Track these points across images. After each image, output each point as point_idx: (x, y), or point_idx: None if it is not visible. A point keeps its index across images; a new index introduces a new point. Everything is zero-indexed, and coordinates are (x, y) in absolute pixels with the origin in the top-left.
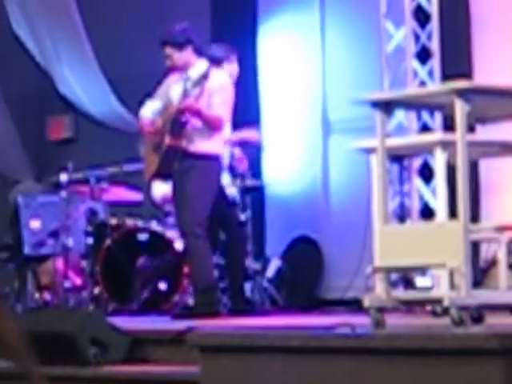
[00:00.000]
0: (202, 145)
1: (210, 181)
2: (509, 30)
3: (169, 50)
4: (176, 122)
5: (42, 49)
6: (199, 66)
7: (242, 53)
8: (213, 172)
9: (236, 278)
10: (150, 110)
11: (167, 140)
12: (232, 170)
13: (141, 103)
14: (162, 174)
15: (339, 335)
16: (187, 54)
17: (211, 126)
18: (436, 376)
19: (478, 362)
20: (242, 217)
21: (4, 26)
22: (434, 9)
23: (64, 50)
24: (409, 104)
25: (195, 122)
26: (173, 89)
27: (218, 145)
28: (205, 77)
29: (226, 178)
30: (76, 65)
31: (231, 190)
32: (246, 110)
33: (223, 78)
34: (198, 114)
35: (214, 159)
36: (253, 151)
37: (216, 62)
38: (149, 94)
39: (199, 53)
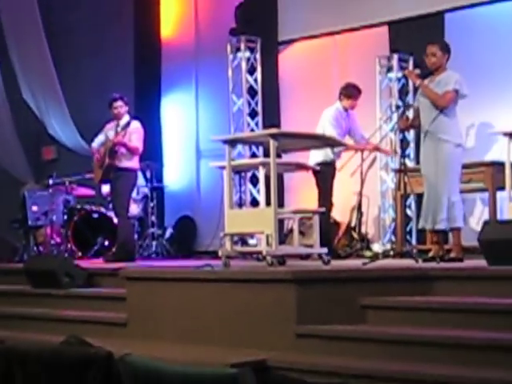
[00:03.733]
0: (126, 163)
1: (131, 184)
2: (302, 97)
3: (121, 104)
4: (111, 150)
5: (39, 109)
6: (125, 119)
7: (152, 112)
8: (132, 179)
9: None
10: (96, 143)
11: (107, 161)
12: (145, 177)
13: (93, 139)
14: (104, 180)
15: (205, 271)
16: (125, 109)
17: (132, 152)
18: (257, 295)
19: (281, 287)
20: (151, 204)
21: (17, 95)
22: (259, 87)
23: (51, 109)
24: (244, 141)
25: (122, 150)
26: (109, 132)
27: (136, 163)
28: (127, 125)
29: (141, 181)
30: (57, 117)
31: (144, 189)
32: (153, 145)
33: (137, 125)
34: (123, 145)
35: (133, 171)
36: (157, 167)
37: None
38: (96, 134)
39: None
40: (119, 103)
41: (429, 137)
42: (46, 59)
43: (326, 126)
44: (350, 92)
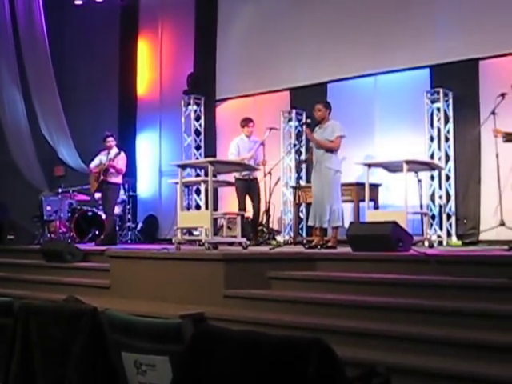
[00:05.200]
0: (114, 179)
1: (116, 193)
2: (231, 137)
3: (111, 139)
4: (105, 170)
5: (52, 140)
6: (114, 149)
7: (130, 145)
8: (117, 190)
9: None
10: (93, 165)
11: (101, 177)
12: (125, 188)
13: (90, 162)
14: (98, 190)
15: (164, 252)
16: (115, 143)
17: (118, 172)
18: (198, 269)
19: (214, 264)
20: (128, 207)
21: (38, 130)
22: (202, 130)
23: (61, 141)
24: (191, 166)
25: (112, 170)
26: (102, 157)
27: (120, 179)
28: (117, 154)
29: (122, 191)
30: (65, 146)
31: (123, 196)
32: (130, 167)
33: (123, 155)
34: (113, 167)
35: (118, 185)
36: (132, 181)
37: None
38: (92, 159)
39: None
40: (111, 138)
41: (318, 165)
42: (58, 107)
43: (230, 151)
44: (244, 122)
